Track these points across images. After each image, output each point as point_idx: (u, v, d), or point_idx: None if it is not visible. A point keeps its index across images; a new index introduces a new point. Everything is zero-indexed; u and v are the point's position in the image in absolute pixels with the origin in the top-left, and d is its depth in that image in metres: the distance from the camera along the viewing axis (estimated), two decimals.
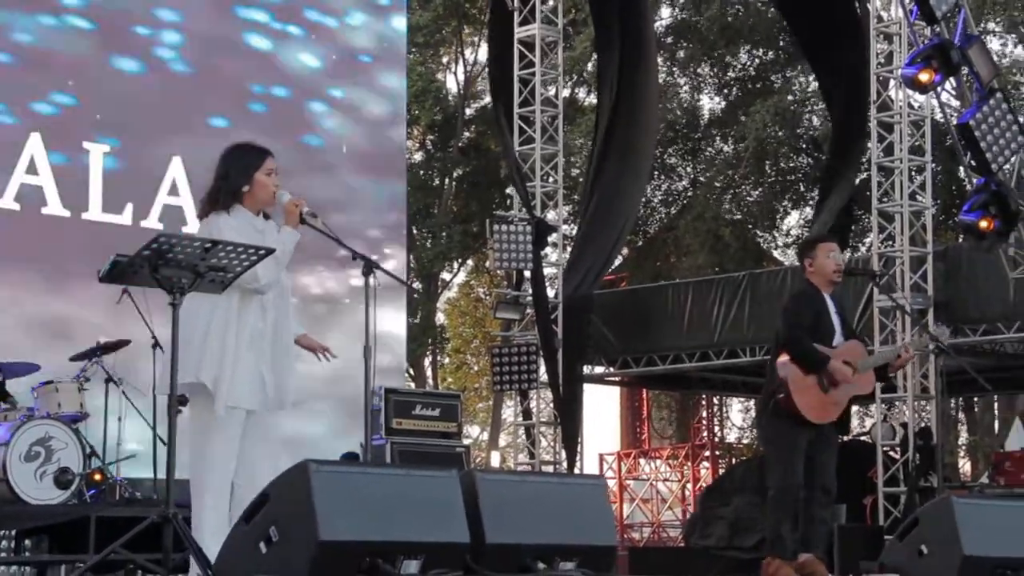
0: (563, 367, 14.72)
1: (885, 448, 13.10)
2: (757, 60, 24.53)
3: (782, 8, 16.10)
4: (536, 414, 15.20)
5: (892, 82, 13.43)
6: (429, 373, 28.17)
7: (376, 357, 6.20)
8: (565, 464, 14.87)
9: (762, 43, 24.10)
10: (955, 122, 11.73)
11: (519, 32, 15.11)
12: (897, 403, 13.56)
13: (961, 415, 24.58)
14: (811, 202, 22.44)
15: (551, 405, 15.10)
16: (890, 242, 13.30)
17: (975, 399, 22.63)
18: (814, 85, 20.60)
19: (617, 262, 21.95)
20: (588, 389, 16.60)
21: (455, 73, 27.46)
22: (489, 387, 26.93)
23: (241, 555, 4.64)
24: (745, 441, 26.89)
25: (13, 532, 8.33)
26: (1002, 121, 10.96)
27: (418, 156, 26.44)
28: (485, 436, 30.20)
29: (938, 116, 16.04)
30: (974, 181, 11.46)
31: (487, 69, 18.15)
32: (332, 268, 13.39)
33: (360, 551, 4.60)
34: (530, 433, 15.41)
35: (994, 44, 22.62)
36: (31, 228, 11.74)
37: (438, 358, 29.26)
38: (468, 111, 26.20)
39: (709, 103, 25.69)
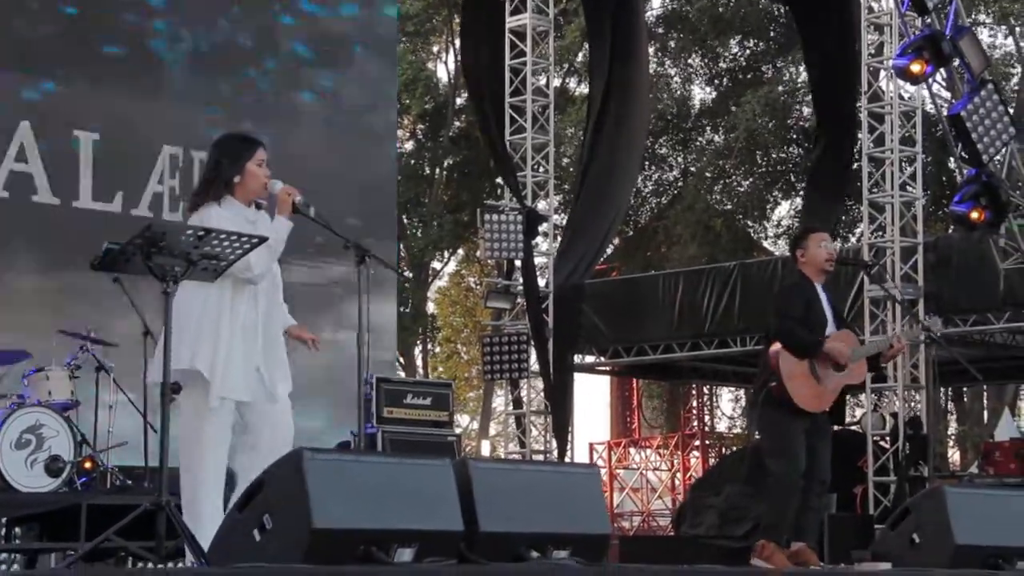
0: (554, 356, 14.72)
1: (875, 438, 13.14)
2: (748, 51, 24.53)
3: None
4: (527, 403, 15.21)
5: (883, 73, 13.44)
6: (419, 362, 28.17)
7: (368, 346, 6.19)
8: (556, 453, 14.89)
9: (753, 34, 24.11)
10: (946, 113, 11.74)
11: (510, 21, 15.09)
12: (887, 393, 13.59)
13: (950, 405, 24.64)
14: (802, 193, 22.45)
15: (542, 394, 15.11)
16: (880, 233, 13.32)
17: (964, 389, 22.69)
18: (804, 76, 20.60)
19: (608, 252, 21.95)
20: (578, 378, 16.63)
21: (445, 62, 27.46)
22: (479, 376, 26.95)
23: (235, 542, 4.64)
24: (736, 431, 26.94)
25: (3, 520, 8.31)
26: (993, 112, 10.98)
27: (408, 145, 26.42)
28: (475, 425, 30.21)
29: (928, 107, 16.04)
30: (965, 172, 11.48)
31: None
32: (317, 258, 13.37)
33: (354, 539, 4.60)
34: (521, 422, 15.42)
35: (983, 35, 22.65)
36: (21, 216, 11.72)
37: (429, 347, 29.26)
38: (459, 100, 26.16)
39: (700, 93, 25.71)
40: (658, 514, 23.45)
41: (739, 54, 24.72)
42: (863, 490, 13.07)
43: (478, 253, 18.15)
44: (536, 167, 15.22)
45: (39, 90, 12.02)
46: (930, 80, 11.53)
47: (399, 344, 20.00)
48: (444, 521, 4.83)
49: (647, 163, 24.10)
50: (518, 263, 14.82)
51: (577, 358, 16.04)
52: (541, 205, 15.40)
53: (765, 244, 24.87)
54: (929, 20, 11.31)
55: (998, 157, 11.30)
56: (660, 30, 24.62)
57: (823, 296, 7.28)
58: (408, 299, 24.98)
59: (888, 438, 13.15)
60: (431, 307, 29.25)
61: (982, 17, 22.60)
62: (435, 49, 27.42)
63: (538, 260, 15.17)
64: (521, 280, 14.87)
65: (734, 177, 24.07)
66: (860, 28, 13.21)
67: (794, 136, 23.38)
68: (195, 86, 12.87)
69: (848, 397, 7.56)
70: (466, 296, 30.20)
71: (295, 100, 13.73)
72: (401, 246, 22.48)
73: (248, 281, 5.61)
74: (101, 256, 5.11)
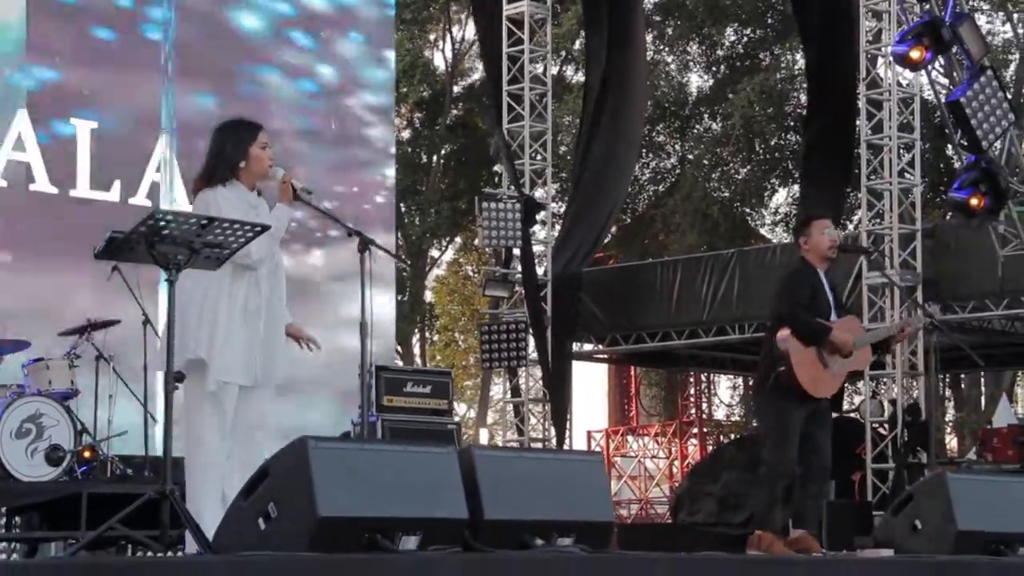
0: (552, 344, 14.72)
1: (874, 424, 13.15)
2: (745, 38, 24.50)
3: None
4: (525, 391, 15.22)
5: (880, 60, 13.43)
6: (417, 351, 28.17)
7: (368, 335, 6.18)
8: (554, 441, 14.90)
9: (750, 21, 24.07)
10: (945, 100, 11.73)
11: (508, 9, 15.06)
12: (885, 380, 13.61)
13: (948, 392, 24.67)
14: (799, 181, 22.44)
15: (540, 382, 15.11)
16: (879, 219, 13.32)
17: (962, 376, 22.72)
18: (801, 63, 20.59)
19: (606, 240, 21.94)
20: (576, 366, 16.62)
21: (443, 50, 27.41)
22: (477, 364, 26.94)
23: (240, 531, 4.63)
24: (734, 418, 26.96)
25: (3, 510, 8.31)
26: (992, 99, 10.97)
27: (406, 134, 26.39)
28: (472, 414, 30.23)
29: (926, 94, 16.03)
30: (964, 159, 11.48)
31: (478, 45, 18.06)
32: (316, 248, 13.36)
33: (359, 527, 4.60)
34: (519, 410, 15.42)
35: (981, 22, 22.61)
36: (19, 205, 11.70)
37: (426, 336, 29.26)
38: (456, 89, 26.13)
39: (698, 81, 25.68)
40: (656, 502, 23.48)
41: (736, 41, 24.69)
42: (861, 477, 13.08)
43: (476, 241, 18.14)
44: (534, 155, 15.21)
45: (36, 78, 11.99)
46: (929, 67, 11.49)
47: (397, 333, 19.98)
48: (449, 509, 4.83)
49: (644, 151, 24.07)
50: (516, 251, 14.81)
51: (575, 346, 16.05)
52: (539, 193, 15.39)
53: (763, 232, 24.86)
54: (928, 6, 11.30)
55: (997, 144, 11.28)
56: (657, 17, 24.58)
57: (826, 283, 7.28)
58: (406, 288, 24.96)
59: (886, 425, 13.17)
60: (429, 296, 29.24)
61: (981, 3, 22.58)
62: (432, 37, 27.37)
63: (536, 248, 15.16)
64: (519, 268, 14.86)
65: (732, 165, 24.05)
66: (858, 14, 13.20)
67: (791, 123, 23.37)
68: (192, 73, 12.84)
69: (846, 384, 7.58)
70: (464, 284, 30.18)
71: (293, 87, 13.71)
72: (399, 234, 22.45)
73: (247, 267, 5.61)
74: (104, 244, 5.09)
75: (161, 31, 12.83)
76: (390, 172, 15.00)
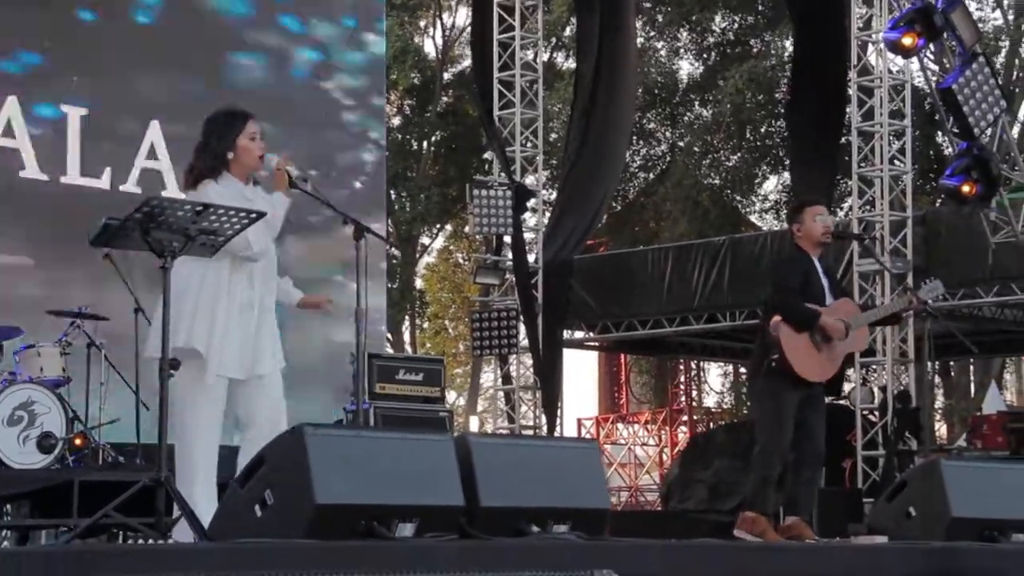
0: (543, 332, 14.73)
1: (864, 412, 13.18)
2: (736, 24, 24.48)
3: None
4: (516, 379, 15.22)
5: (871, 47, 13.43)
6: (407, 338, 28.15)
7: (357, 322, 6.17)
8: (545, 429, 14.91)
9: (740, 7, 24.04)
10: (937, 86, 11.73)
11: None
12: (875, 367, 13.64)
13: (937, 379, 24.72)
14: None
15: (531, 370, 15.12)
16: (869, 207, 13.34)
17: (951, 363, 22.77)
18: (791, 50, 20.57)
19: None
20: (566, 354, 16.63)
21: (433, 37, 27.35)
22: (467, 352, 26.96)
23: (236, 518, 4.63)
24: (724, 405, 27.00)
25: None
26: (984, 86, 10.98)
27: (396, 120, 26.34)
28: (462, 401, 30.23)
29: (917, 80, 16.04)
30: (956, 145, 11.48)
31: (470, 34, 18.03)
32: (309, 237, 13.33)
33: (356, 514, 4.59)
34: (510, 398, 15.43)
35: (971, 7, 22.61)
36: (9, 191, 11.65)
37: (417, 323, 29.24)
38: (446, 75, 26.09)
39: (688, 68, 25.66)
40: (646, 489, 23.52)
41: (728, 28, 24.67)
42: (851, 464, 13.12)
43: (467, 229, 18.13)
44: (525, 142, 15.19)
45: (25, 64, 11.93)
46: (921, 53, 11.49)
47: (387, 321, 19.96)
48: (445, 496, 4.83)
49: (635, 138, 24.06)
50: (507, 239, 14.80)
51: (566, 333, 16.06)
52: (530, 180, 15.39)
53: (753, 219, 24.87)
54: None
55: (989, 130, 11.29)
56: (647, 4, 24.54)
57: (820, 268, 7.28)
58: (397, 275, 24.94)
59: (877, 412, 13.20)
60: (419, 283, 29.22)
61: None
62: (422, 24, 27.32)
63: (527, 236, 15.16)
64: (510, 256, 14.85)
65: (722, 152, 24.05)
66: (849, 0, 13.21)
67: (782, 110, 23.36)
68: (183, 59, 12.79)
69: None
70: (454, 272, 30.17)
71: (283, 73, 13.66)
72: (389, 222, 22.42)
73: (247, 259, 5.60)
74: (100, 230, 5.07)
75: (151, 15, 12.77)
76: (380, 160, 14.96)
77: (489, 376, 25.43)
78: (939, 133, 21.11)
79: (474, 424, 27.62)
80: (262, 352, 5.74)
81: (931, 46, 11.39)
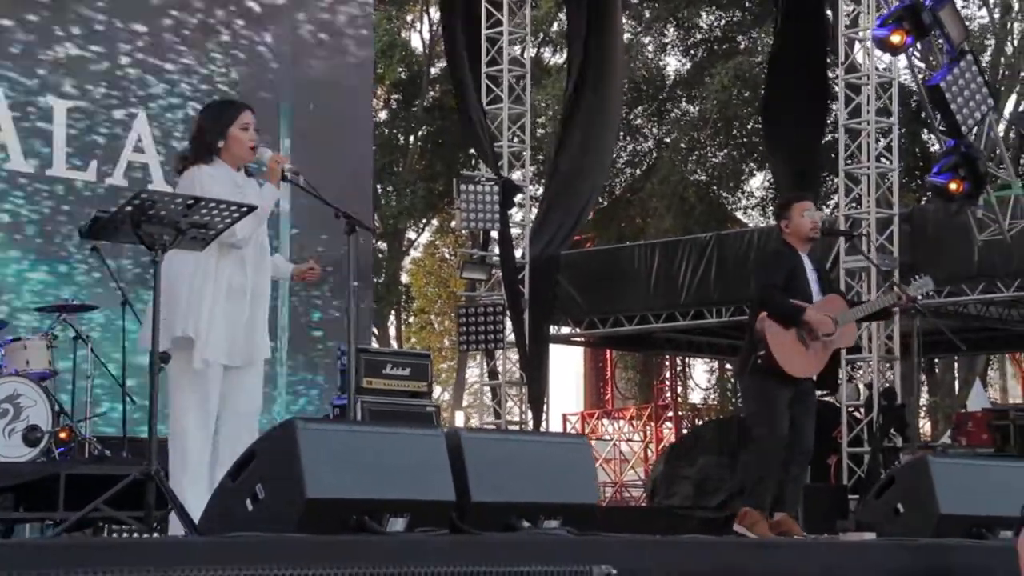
0: (529, 327, 14.73)
1: (849, 408, 13.21)
2: (723, 21, 24.48)
3: None
4: (502, 374, 15.21)
5: (858, 44, 13.45)
6: (392, 332, 28.12)
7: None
8: (531, 424, 14.91)
9: (726, 4, 24.05)
10: (925, 84, 11.75)
11: None
12: (861, 364, 13.67)
13: (922, 376, 24.78)
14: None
15: (517, 365, 15.11)
16: (856, 204, 13.36)
17: (935, 360, 22.85)
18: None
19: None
20: (551, 349, 16.62)
21: (420, 31, 27.31)
22: (452, 347, 26.94)
23: (227, 512, 4.62)
24: (710, 402, 27.03)
25: None
26: (972, 84, 10.99)
27: (383, 114, 26.29)
28: (447, 396, 30.21)
29: (903, 78, 16.07)
30: (944, 143, 11.50)
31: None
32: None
33: (347, 509, 4.59)
34: (496, 393, 15.43)
35: (957, 4, 22.63)
36: None
37: (402, 318, 29.21)
38: (433, 70, 26.05)
39: (675, 64, 25.65)
40: (630, 485, 23.55)
41: (715, 24, 24.67)
42: (837, 461, 13.15)
43: (454, 224, 18.12)
44: (512, 138, 15.18)
45: (13, 56, 11.87)
46: (910, 51, 11.51)
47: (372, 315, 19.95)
48: (436, 491, 4.83)
49: (622, 134, 24.04)
50: (494, 234, 14.79)
51: (552, 329, 16.05)
52: (516, 175, 15.38)
53: (739, 215, 24.89)
54: None
55: (976, 128, 11.32)
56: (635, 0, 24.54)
57: (808, 264, 7.26)
58: (382, 270, 24.91)
59: (862, 409, 13.23)
60: (405, 278, 29.19)
61: None
62: (409, 18, 27.27)
63: (513, 231, 15.15)
64: (497, 251, 14.84)
65: (708, 148, 24.07)
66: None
67: None
68: (169, 52, 12.74)
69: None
70: (440, 267, 30.15)
71: (271, 68, 13.62)
72: (375, 215, 22.39)
73: (232, 246, 5.59)
74: (90, 224, 5.06)
75: (138, 6, 12.71)
76: (368, 154, 14.93)
77: (474, 371, 25.40)
78: (925, 130, 21.15)
79: (459, 419, 27.62)
80: (254, 340, 5.71)
81: (918, 44, 11.40)
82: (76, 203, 11.71)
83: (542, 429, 14.93)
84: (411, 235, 28.14)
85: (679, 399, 25.50)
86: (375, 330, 24.74)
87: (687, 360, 25.52)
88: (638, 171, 25.42)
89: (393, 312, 27.77)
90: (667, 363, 25.47)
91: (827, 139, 17.77)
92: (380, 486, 4.68)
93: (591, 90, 15.00)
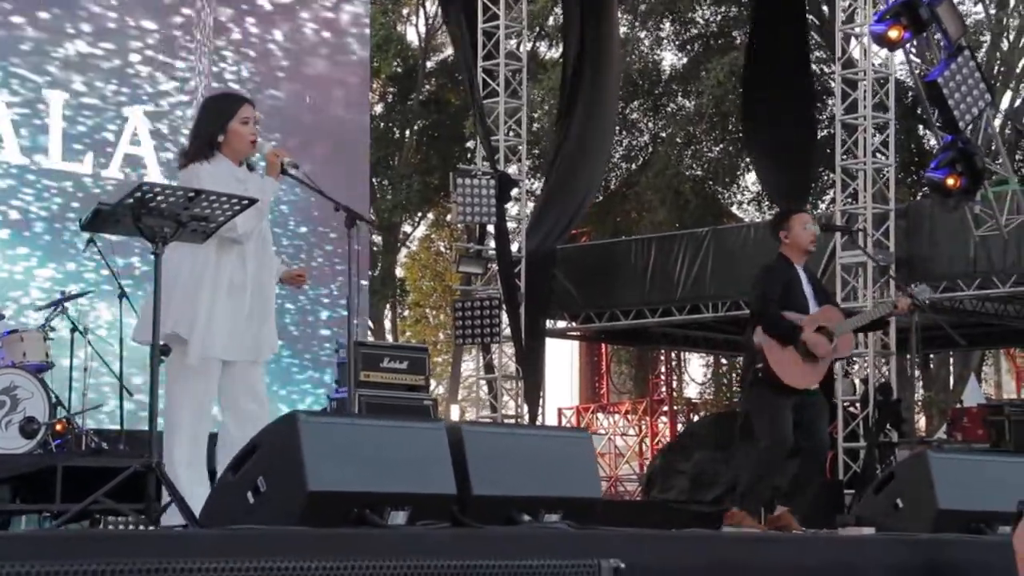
0: (526, 321, 14.72)
1: (845, 404, 13.23)
2: (719, 16, 24.46)
3: None
4: (498, 368, 15.21)
5: (854, 40, 13.46)
6: (388, 326, 28.10)
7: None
8: (527, 418, 14.90)
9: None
10: (922, 79, 11.76)
11: None
12: (856, 359, 13.67)
13: (917, 371, 24.79)
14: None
15: (513, 359, 15.11)
16: (852, 199, 13.37)
17: (930, 356, 22.85)
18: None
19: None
20: (547, 343, 16.62)
21: (416, 25, 27.27)
22: (448, 341, 26.92)
23: (229, 505, 4.61)
24: (706, 396, 27.02)
25: None
26: (969, 79, 11.00)
27: (378, 108, 26.26)
28: (441, 390, 30.20)
29: (899, 73, 16.08)
30: (941, 139, 11.51)
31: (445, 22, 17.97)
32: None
33: (348, 502, 4.58)
34: (492, 387, 15.42)
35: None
36: None
37: (398, 311, 29.19)
38: (429, 64, 26.02)
39: (671, 59, 25.61)
40: (625, 479, 23.53)
41: (711, 18, 24.64)
42: (832, 456, 13.15)
43: (449, 217, 18.10)
44: (508, 131, 15.17)
45: (9, 48, 11.84)
46: (907, 46, 11.52)
47: (368, 309, 19.94)
48: (437, 484, 4.82)
49: (618, 128, 24.01)
50: (490, 228, 14.79)
51: (548, 323, 16.05)
52: (512, 169, 15.37)
53: (734, 210, 24.89)
54: None
55: (973, 124, 11.33)
56: None
57: (803, 276, 7.23)
58: (378, 263, 24.89)
59: (858, 404, 13.25)
60: (400, 271, 29.17)
61: None
62: (405, 12, 27.24)
63: (509, 225, 15.15)
64: (493, 245, 14.84)
65: (704, 143, 24.04)
66: None
67: None
68: (165, 46, 12.73)
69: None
70: (435, 260, 30.12)
71: (267, 62, 13.61)
72: (371, 209, 22.37)
73: (233, 240, 5.56)
74: (91, 216, 5.04)
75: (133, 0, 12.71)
76: (365, 146, 14.93)
77: (469, 365, 25.40)
78: (920, 126, 21.15)
79: (455, 413, 27.62)
80: (257, 334, 5.67)
81: (915, 39, 11.40)
82: (85, 200, 11.66)
83: (538, 423, 14.94)
84: (407, 229, 28.12)
85: (674, 393, 25.49)
86: (371, 324, 24.71)
87: (683, 355, 25.51)
88: (634, 166, 25.38)
89: (389, 306, 27.75)
90: (662, 357, 25.45)
91: (823, 135, 17.79)
92: (381, 479, 4.67)
93: (588, 83, 14.99)
